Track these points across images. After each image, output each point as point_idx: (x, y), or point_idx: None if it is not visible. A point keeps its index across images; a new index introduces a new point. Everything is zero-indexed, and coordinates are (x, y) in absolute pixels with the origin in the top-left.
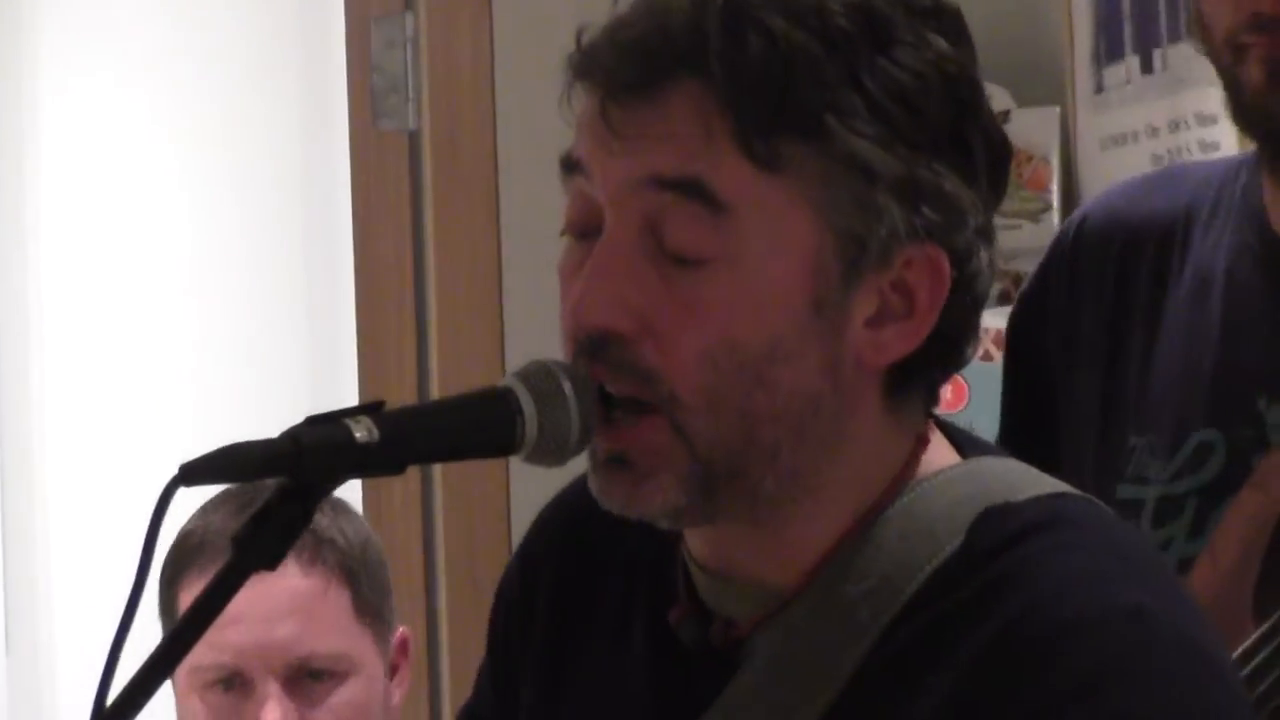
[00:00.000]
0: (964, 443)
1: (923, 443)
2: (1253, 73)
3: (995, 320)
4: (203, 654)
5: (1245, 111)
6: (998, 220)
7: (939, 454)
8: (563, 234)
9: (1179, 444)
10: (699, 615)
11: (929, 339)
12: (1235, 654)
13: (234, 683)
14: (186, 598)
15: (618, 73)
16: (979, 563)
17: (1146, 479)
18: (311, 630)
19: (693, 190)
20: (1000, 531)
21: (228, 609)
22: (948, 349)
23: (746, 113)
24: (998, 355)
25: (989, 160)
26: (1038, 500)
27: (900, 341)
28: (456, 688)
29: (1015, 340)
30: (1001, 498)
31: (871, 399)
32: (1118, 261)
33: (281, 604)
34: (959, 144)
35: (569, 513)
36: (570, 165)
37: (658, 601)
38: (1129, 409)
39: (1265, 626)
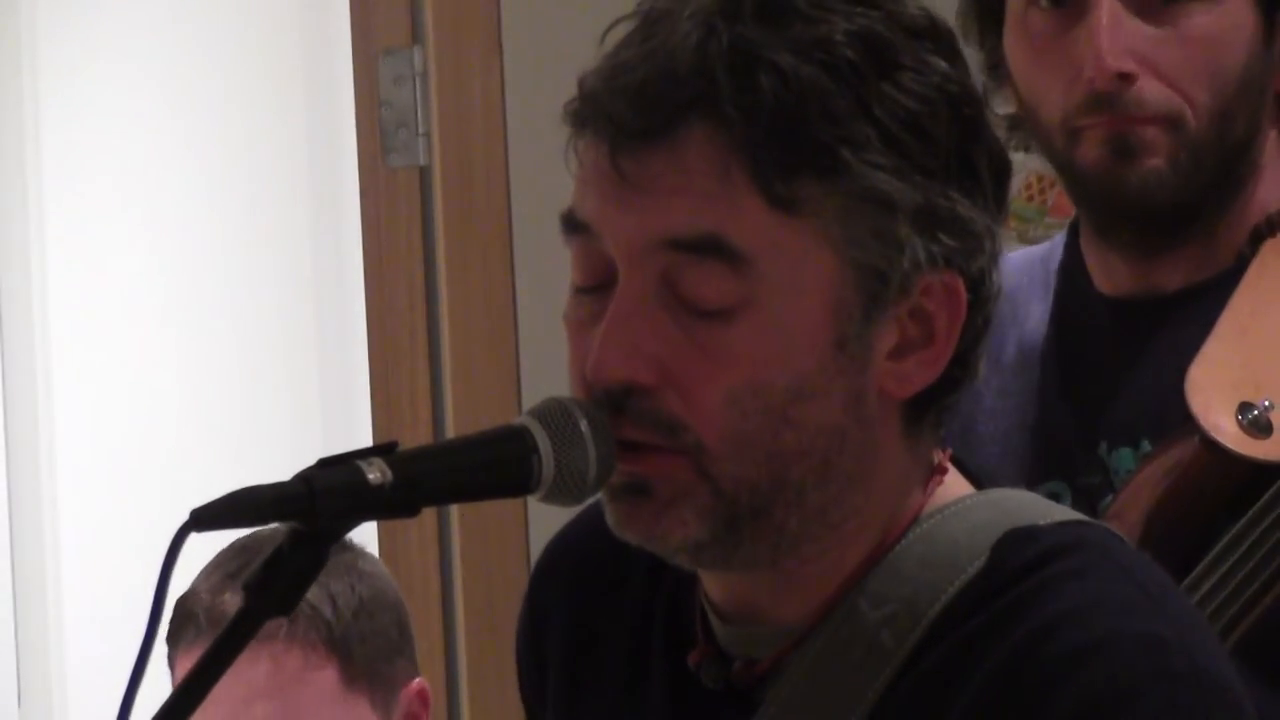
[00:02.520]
0: (980, 475)
1: (940, 471)
2: (1093, 154)
3: None
4: None
5: (1088, 190)
6: (1021, 248)
7: (956, 484)
8: (576, 291)
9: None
10: (719, 657)
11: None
12: None
13: None
14: (184, 664)
15: (626, 120)
16: (1003, 585)
17: None
18: (289, 712)
19: (711, 247)
20: (1024, 554)
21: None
22: (960, 373)
23: (764, 155)
24: None
25: (993, 178)
26: (1061, 525)
27: (922, 371)
28: None
29: None
30: (1025, 521)
31: (893, 431)
32: None
33: (258, 686)
34: (967, 166)
35: (570, 556)
36: (575, 226)
37: (675, 645)
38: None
39: None
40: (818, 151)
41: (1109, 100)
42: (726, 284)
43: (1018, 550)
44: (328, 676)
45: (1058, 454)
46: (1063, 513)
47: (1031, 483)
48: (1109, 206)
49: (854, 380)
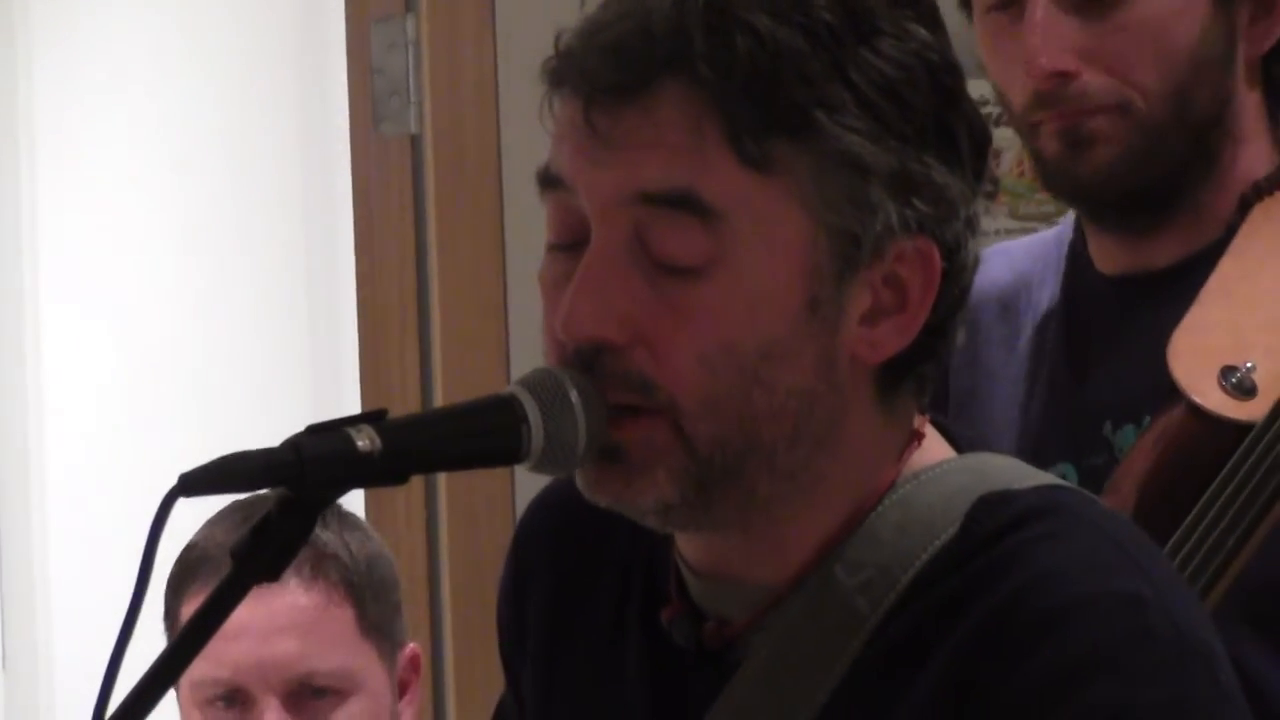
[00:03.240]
0: (960, 439)
1: (917, 438)
2: (1050, 146)
3: None
4: (203, 669)
5: (1049, 178)
6: (1013, 224)
7: (934, 449)
8: (550, 250)
9: None
10: (692, 615)
11: (919, 333)
12: None
13: (235, 699)
14: (189, 611)
15: (600, 77)
16: (976, 548)
17: None
18: (312, 647)
19: (682, 202)
20: (998, 518)
21: (228, 623)
22: (937, 342)
23: (737, 114)
24: None
25: (972, 148)
26: (1036, 489)
27: (894, 337)
28: (461, 700)
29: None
30: (1000, 486)
31: (865, 396)
32: (969, 329)
33: (281, 620)
34: (944, 133)
35: (554, 516)
36: (550, 181)
37: (651, 603)
38: None
39: None
40: (791, 112)
41: (1052, 97)
42: (698, 240)
43: (992, 514)
44: (346, 616)
45: (1065, 435)
46: (1039, 477)
47: (1041, 465)
48: (1072, 195)
49: (825, 343)
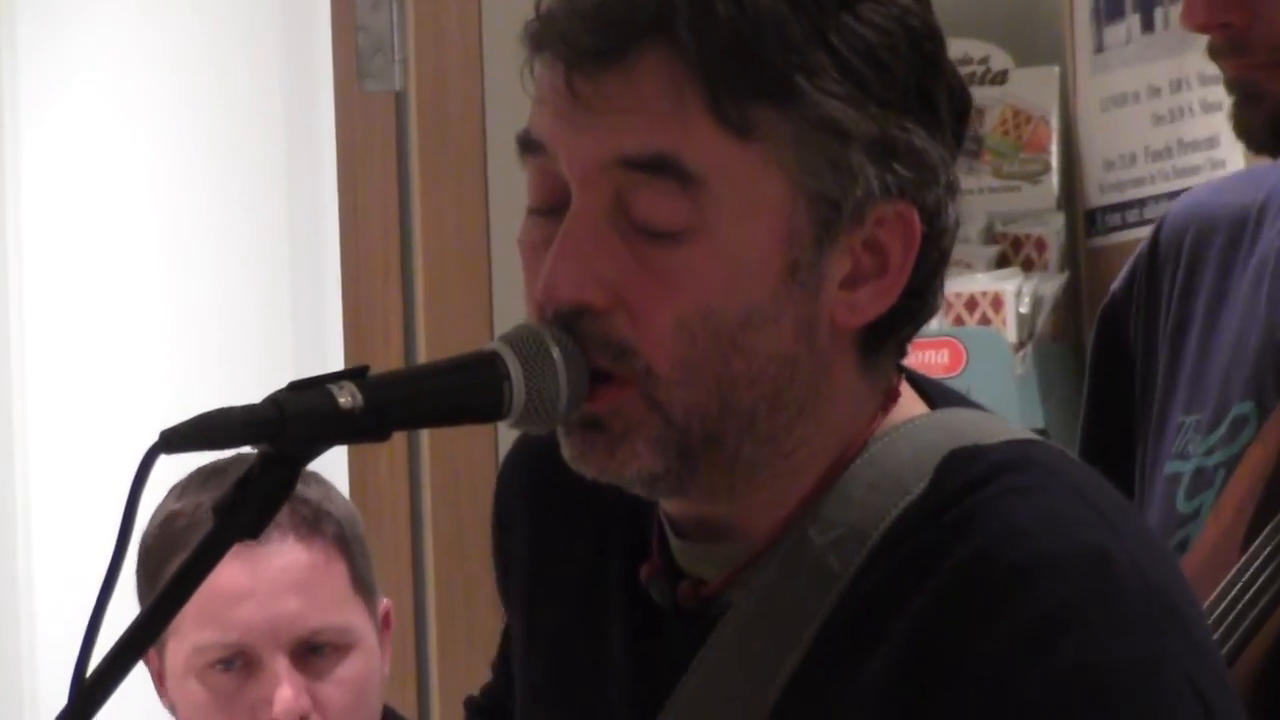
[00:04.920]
0: (935, 394)
1: (891, 396)
2: (1230, 90)
3: (994, 284)
4: (208, 634)
5: (1233, 125)
6: (996, 183)
7: (909, 406)
8: (530, 214)
9: (1220, 419)
10: (670, 573)
11: (900, 296)
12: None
13: (235, 662)
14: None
15: (581, 41)
16: (945, 504)
17: (1188, 455)
18: (317, 604)
19: (663, 167)
20: (967, 473)
21: (232, 586)
22: (918, 305)
23: (718, 80)
24: (995, 319)
25: (952, 113)
26: (1007, 444)
27: (875, 301)
28: (443, 657)
29: (1101, 334)
30: (970, 441)
31: (846, 360)
32: (1190, 251)
33: (287, 578)
34: (925, 99)
35: (533, 462)
36: (530, 145)
37: (633, 557)
38: (1184, 391)
39: (1234, 569)
40: (772, 78)
41: (1230, 47)
42: (678, 205)
43: (961, 469)
44: (342, 573)
45: (1255, 375)
46: (1011, 431)
47: (1229, 404)
48: (1248, 143)
49: (805, 308)
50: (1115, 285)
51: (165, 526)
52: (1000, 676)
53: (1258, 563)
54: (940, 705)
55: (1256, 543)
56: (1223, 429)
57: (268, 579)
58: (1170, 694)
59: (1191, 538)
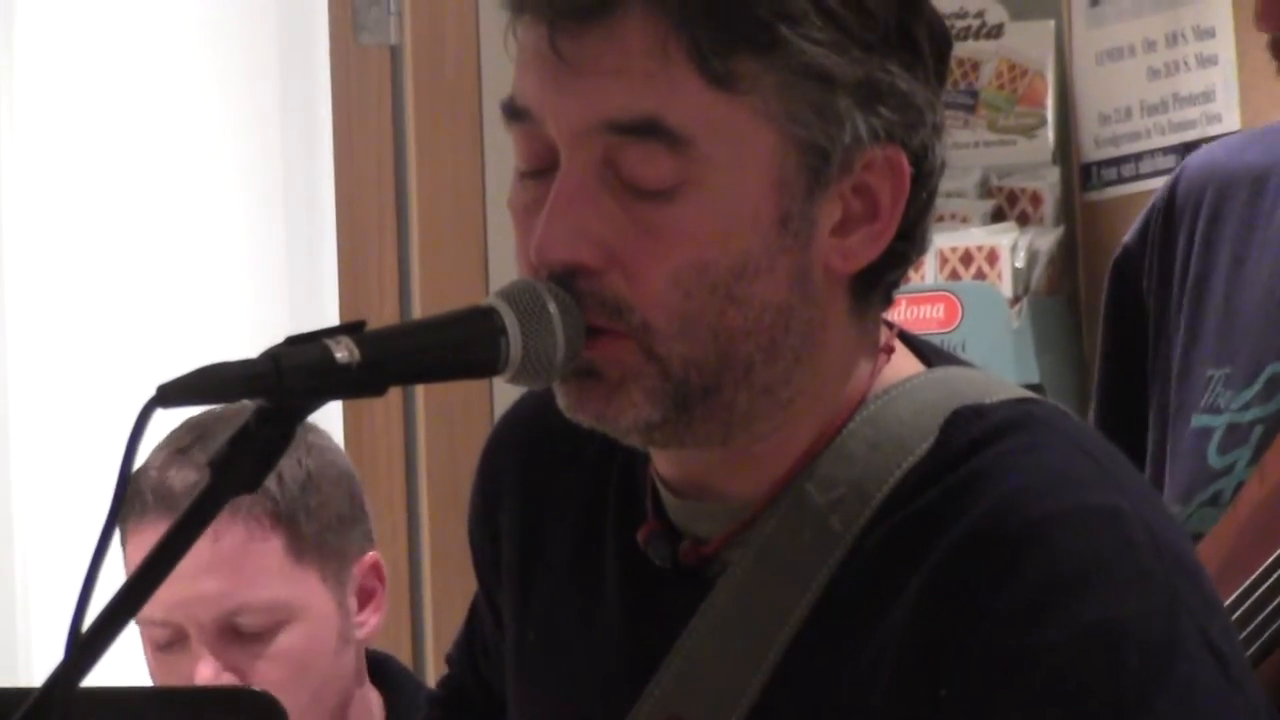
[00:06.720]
0: (929, 353)
1: (887, 352)
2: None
3: (990, 238)
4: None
5: None
6: (992, 137)
7: (905, 363)
8: (520, 176)
9: (1254, 376)
10: (668, 534)
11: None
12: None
13: (174, 638)
14: (133, 542)
15: (563, 1)
16: (951, 463)
17: (1219, 409)
18: (240, 582)
19: (649, 129)
20: (971, 431)
21: None
22: (906, 248)
23: (701, 33)
24: (990, 273)
25: (934, 52)
26: (1009, 403)
27: (866, 246)
28: (439, 608)
29: (1114, 285)
30: (973, 399)
31: (840, 308)
32: (1211, 205)
33: (204, 558)
34: (907, 39)
35: (526, 429)
36: (516, 113)
37: (627, 521)
38: (1210, 343)
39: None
40: (755, 28)
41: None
42: (667, 165)
43: (966, 428)
44: (273, 548)
45: None
46: (1010, 390)
47: (1263, 361)
48: None
49: (798, 257)
50: (1128, 238)
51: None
52: (1018, 632)
53: None
54: (959, 661)
55: None
56: (1258, 386)
57: (186, 561)
58: (1186, 647)
59: (1224, 491)
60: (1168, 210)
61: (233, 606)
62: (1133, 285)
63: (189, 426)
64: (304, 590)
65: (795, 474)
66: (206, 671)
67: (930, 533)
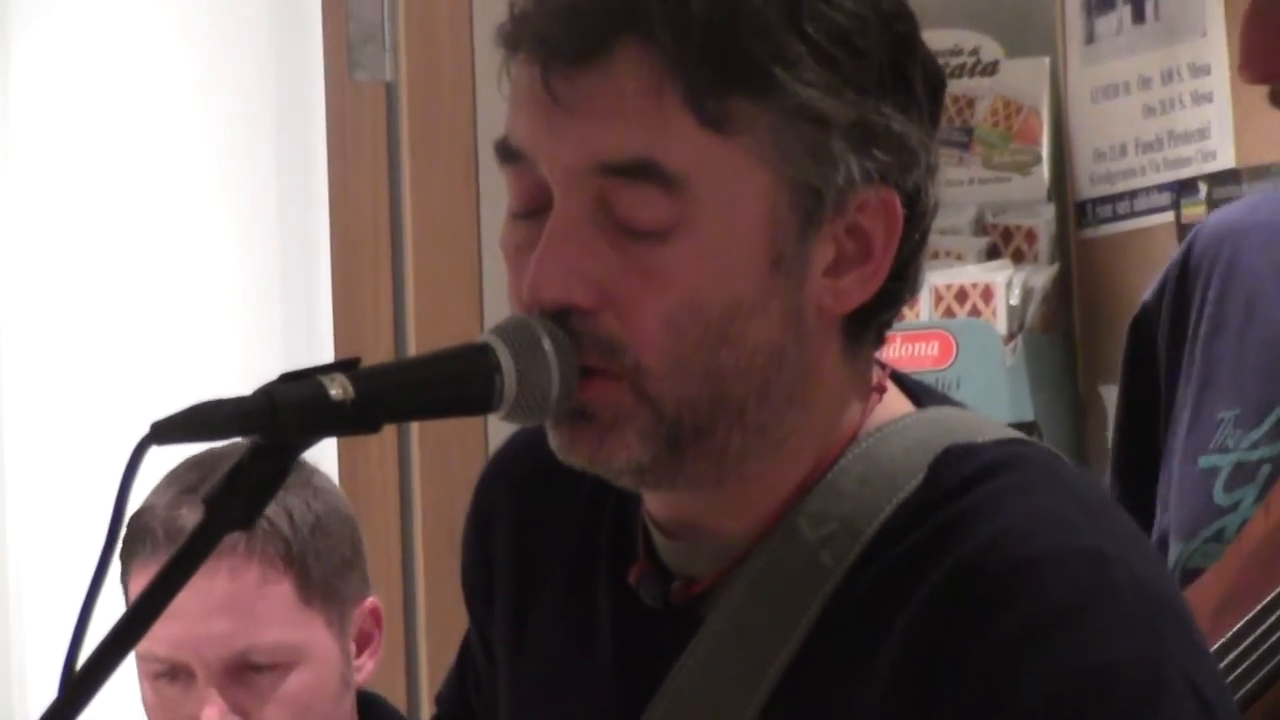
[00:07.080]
0: (920, 393)
1: (879, 392)
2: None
3: (985, 275)
4: (145, 644)
5: None
6: (987, 174)
7: (896, 402)
8: (512, 217)
9: (1263, 416)
10: (659, 574)
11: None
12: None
13: (178, 674)
14: (137, 581)
15: (557, 41)
16: (940, 501)
17: (1227, 449)
18: (249, 624)
19: (643, 171)
20: (962, 470)
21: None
22: (899, 288)
23: (695, 74)
24: (985, 310)
25: (928, 93)
26: (1000, 443)
27: (860, 287)
28: (433, 649)
29: (1131, 343)
30: (963, 439)
31: (832, 348)
32: (1227, 258)
33: (216, 599)
34: (901, 81)
35: (521, 464)
36: (509, 154)
37: (619, 560)
38: (1223, 386)
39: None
40: (749, 70)
41: None
42: (661, 206)
43: (955, 467)
44: (284, 591)
45: None
46: (1000, 430)
47: (1274, 401)
48: None
49: (791, 298)
50: (1146, 297)
51: (133, 522)
52: (1002, 673)
53: None
54: (943, 699)
55: None
56: (1266, 426)
57: (196, 599)
58: (1170, 693)
59: (1229, 528)
60: (1183, 267)
61: (243, 648)
62: (1149, 343)
63: (193, 464)
64: (311, 634)
65: (786, 510)
66: (212, 713)
67: (920, 568)
